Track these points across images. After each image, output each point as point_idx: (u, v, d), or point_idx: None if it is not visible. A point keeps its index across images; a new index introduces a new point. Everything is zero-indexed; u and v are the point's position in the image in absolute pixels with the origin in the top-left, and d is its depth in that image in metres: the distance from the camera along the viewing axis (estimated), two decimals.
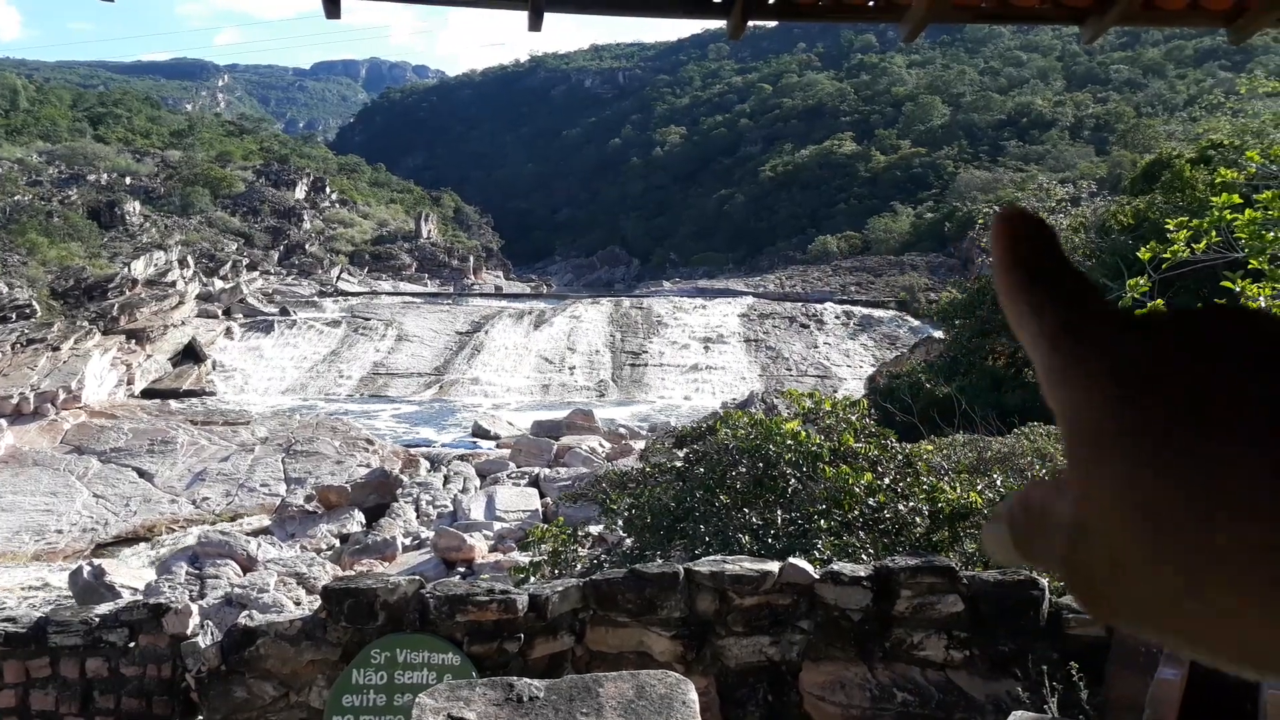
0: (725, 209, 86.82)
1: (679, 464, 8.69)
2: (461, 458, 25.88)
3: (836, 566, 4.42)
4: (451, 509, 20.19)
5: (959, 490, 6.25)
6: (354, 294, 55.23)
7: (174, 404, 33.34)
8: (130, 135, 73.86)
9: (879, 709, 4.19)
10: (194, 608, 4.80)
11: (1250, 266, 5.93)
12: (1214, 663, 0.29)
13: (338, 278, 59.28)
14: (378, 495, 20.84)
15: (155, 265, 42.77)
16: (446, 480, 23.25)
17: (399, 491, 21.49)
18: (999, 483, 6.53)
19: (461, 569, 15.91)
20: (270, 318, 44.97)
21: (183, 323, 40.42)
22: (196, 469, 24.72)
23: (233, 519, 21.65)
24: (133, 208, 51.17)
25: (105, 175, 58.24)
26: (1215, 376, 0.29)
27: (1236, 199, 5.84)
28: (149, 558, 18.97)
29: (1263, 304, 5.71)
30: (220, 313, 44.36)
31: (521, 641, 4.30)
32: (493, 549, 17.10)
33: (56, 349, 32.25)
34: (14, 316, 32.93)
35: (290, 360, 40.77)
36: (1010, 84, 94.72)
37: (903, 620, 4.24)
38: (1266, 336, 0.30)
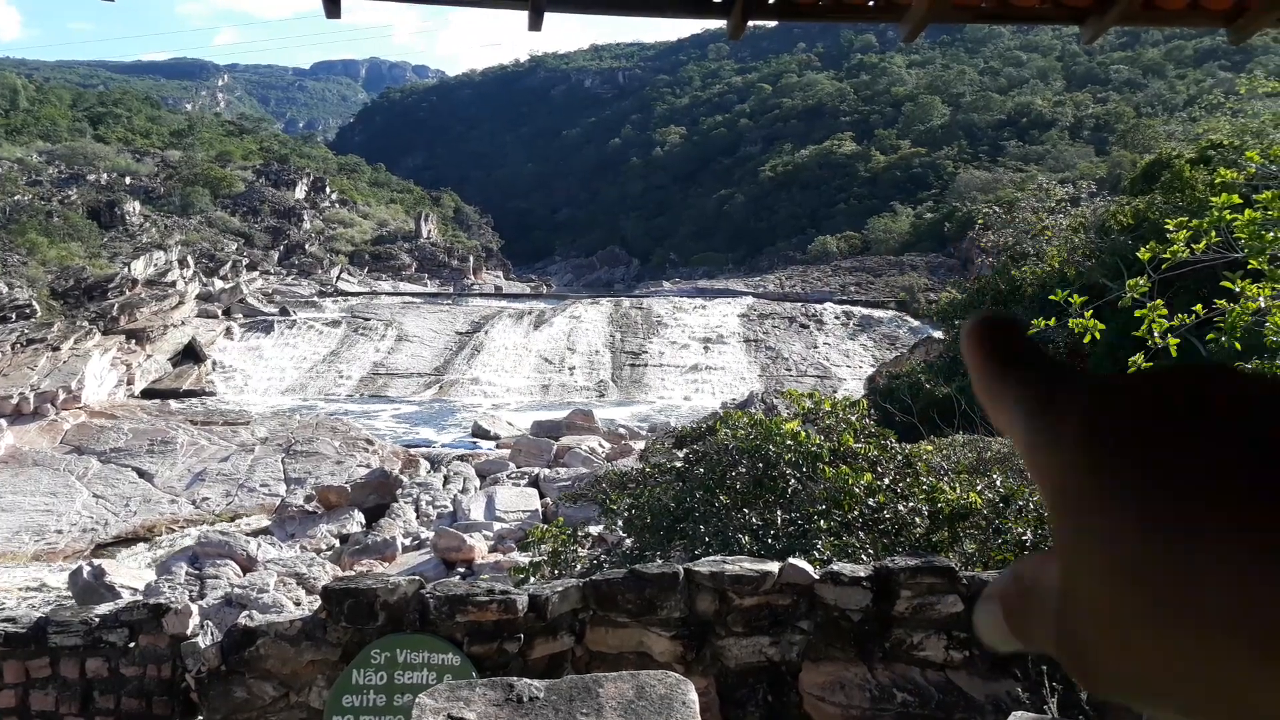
0: (725, 209, 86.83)
1: (679, 464, 8.69)
2: (461, 458, 25.87)
3: (836, 567, 4.42)
4: (451, 509, 20.19)
5: (959, 491, 6.25)
6: (354, 294, 55.23)
7: (174, 404, 33.33)
8: (130, 135, 73.87)
9: (879, 709, 4.19)
10: (194, 608, 4.80)
11: (1250, 267, 5.92)
12: None
13: (338, 278, 59.28)
14: (377, 495, 20.84)
15: (155, 265, 42.77)
16: (446, 480, 23.25)
17: (399, 492, 21.49)
18: (999, 483, 6.53)
19: (461, 569, 15.91)
20: (270, 318, 44.97)
21: (183, 323, 40.42)
22: (196, 469, 24.72)
23: (232, 519, 21.65)
24: (133, 208, 51.17)
25: (105, 175, 58.25)
26: (1189, 437, 0.29)
27: (1236, 199, 5.84)
28: (149, 558, 18.97)
29: (1263, 304, 5.71)
30: (220, 313, 44.36)
31: (521, 642, 4.30)
32: (492, 549, 17.10)
33: (56, 349, 32.25)
34: (14, 316, 32.93)
35: (290, 360, 40.77)
36: (1010, 84, 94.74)
37: (902, 620, 4.24)
38: (1238, 395, 0.30)
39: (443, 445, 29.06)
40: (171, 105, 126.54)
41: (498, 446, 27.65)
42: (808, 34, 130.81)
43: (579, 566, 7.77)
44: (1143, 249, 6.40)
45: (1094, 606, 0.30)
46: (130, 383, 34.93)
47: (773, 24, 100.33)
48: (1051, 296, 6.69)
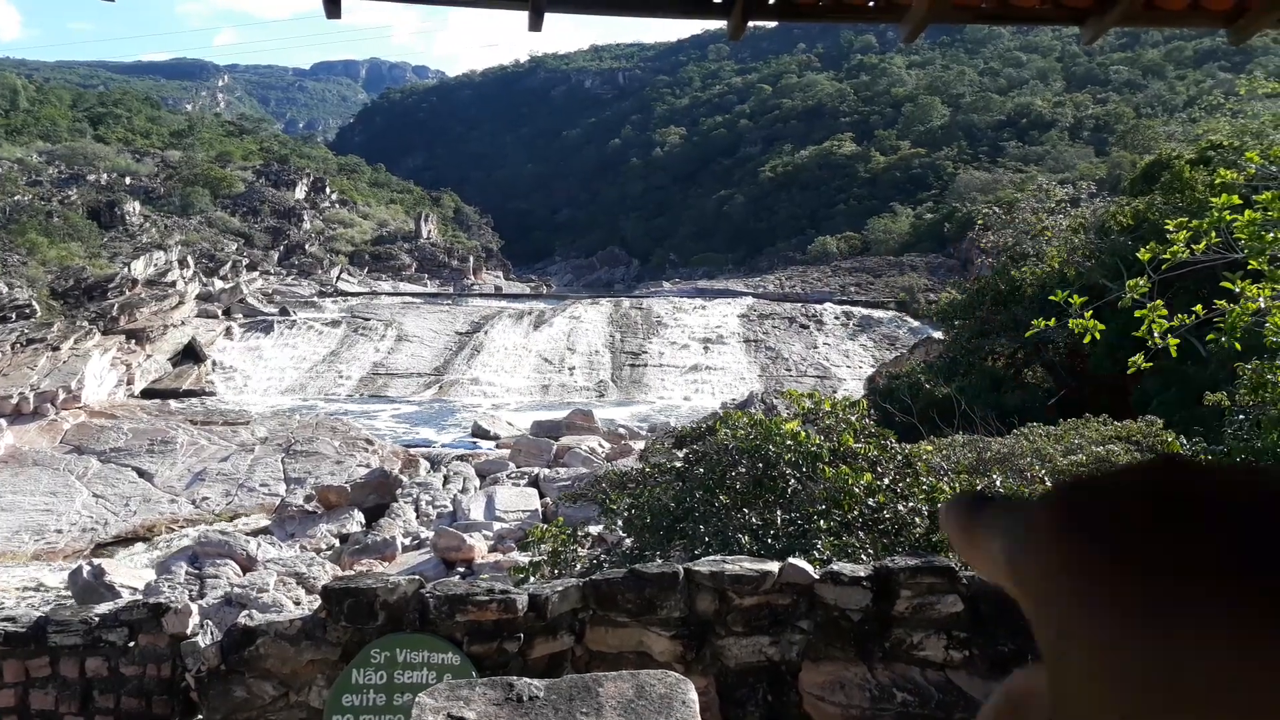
0: (725, 209, 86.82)
1: (678, 464, 8.69)
2: (461, 458, 25.87)
3: (836, 566, 4.42)
4: (451, 509, 20.19)
5: (958, 490, 6.25)
6: (354, 294, 55.22)
7: (174, 404, 33.33)
8: (130, 135, 73.88)
9: (879, 709, 4.20)
10: (194, 607, 4.80)
11: (1250, 267, 5.93)
12: None
13: (337, 278, 59.28)
14: (377, 495, 20.84)
15: (155, 265, 42.77)
16: (446, 480, 23.25)
17: (399, 491, 21.49)
18: (998, 483, 6.53)
19: (461, 569, 15.91)
20: (270, 318, 44.97)
21: (182, 323, 40.42)
22: (196, 469, 24.72)
23: (232, 519, 21.65)
24: (133, 208, 51.17)
25: (105, 175, 58.25)
26: (1157, 533, 0.30)
27: (1236, 200, 5.84)
28: (148, 558, 18.97)
29: (1262, 304, 5.72)
30: (220, 313, 44.36)
31: (521, 641, 4.30)
32: (492, 549, 17.10)
33: (56, 349, 32.24)
34: (14, 316, 32.92)
35: (290, 360, 40.77)
36: (1010, 85, 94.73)
37: (902, 620, 4.24)
38: (1201, 488, 0.30)
39: (442, 445, 29.06)
40: (171, 105, 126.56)
41: (497, 446, 27.65)
42: (808, 35, 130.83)
43: (579, 566, 7.77)
44: (1143, 249, 6.40)
45: (1083, 709, 0.31)
46: (130, 383, 34.93)
47: (773, 24, 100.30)
48: (1051, 297, 6.69)
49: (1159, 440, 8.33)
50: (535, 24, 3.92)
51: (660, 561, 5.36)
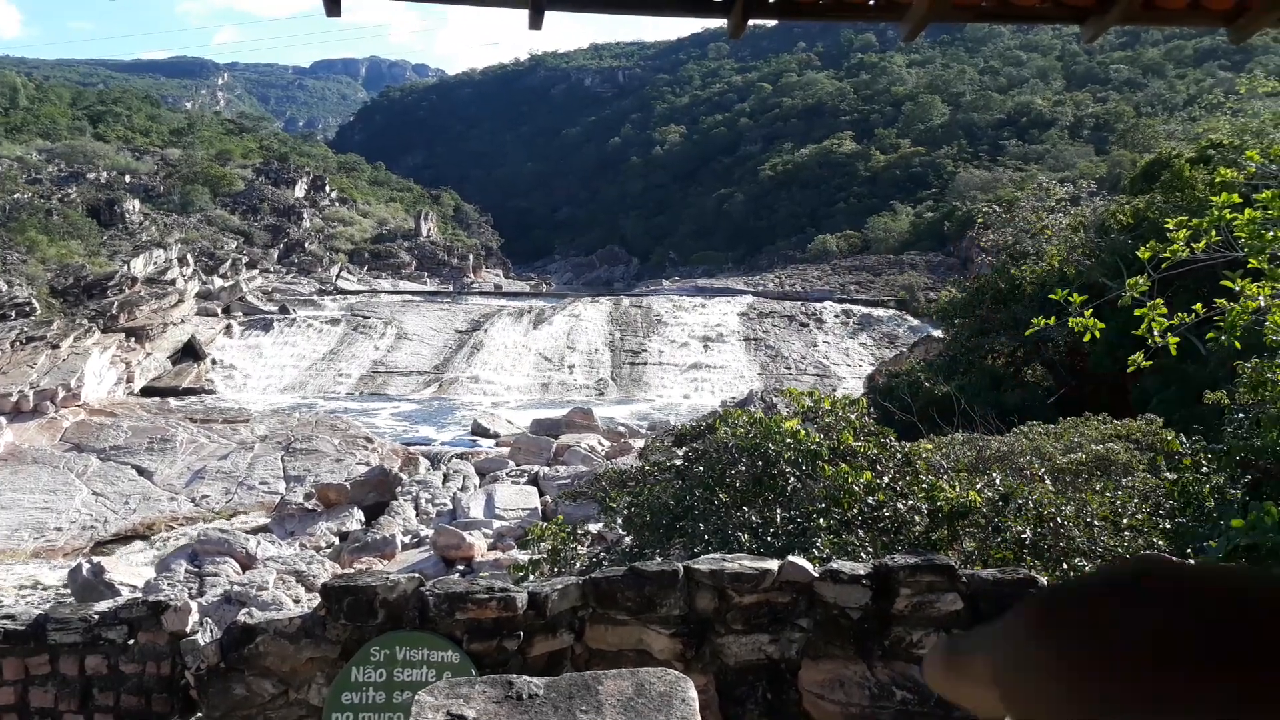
0: (725, 208, 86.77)
1: (678, 462, 8.70)
2: (461, 456, 25.87)
3: (836, 565, 4.42)
4: (451, 507, 20.19)
5: (958, 489, 6.25)
6: (353, 292, 55.20)
7: (173, 402, 33.33)
8: (130, 133, 73.84)
9: (878, 707, 4.20)
10: (193, 605, 4.80)
11: (1250, 266, 5.93)
12: None
13: (337, 276, 59.26)
14: (377, 493, 20.83)
15: (155, 263, 42.76)
16: (446, 478, 23.25)
17: (398, 490, 21.49)
18: (998, 481, 6.53)
19: (461, 567, 15.92)
20: (270, 316, 44.96)
21: (182, 321, 40.41)
22: (196, 467, 24.72)
23: (231, 517, 21.65)
24: (132, 206, 51.15)
25: (105, 173, 58.22)
26: (1133, 624, 0.31)
27: (1236, 198, 5.84)
28: (148, 555, 18.96)
29: (1262, 303, 5.72)
30: (220, 311, 44.35)
31: (521, 639, 4.30)
32: (492, 547, 17.10)
33: (56, 347, 32.24)
34: (13, 314, 32.91)
35: (290, 358, 40.76)
36: (1010, 83, 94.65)
37: (902, 618, 4.24)
38: (1173, 586, 0.32)
39: (442, 443, 29.07)
40: (171, 104, 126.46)
41: (497, 444, 27.66)
42: (808, 33, 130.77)
43: (578, 564, 7.77)
44: (1142, 248, 6.40)
45: None
46: (130, 380, 34.93)
47: (773, 23, 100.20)
48: (1051, 295, 6.69)
49: (1159, 439, 8.33)
50: (535, 22, 3.91)
51: (660, 559, 5.36)
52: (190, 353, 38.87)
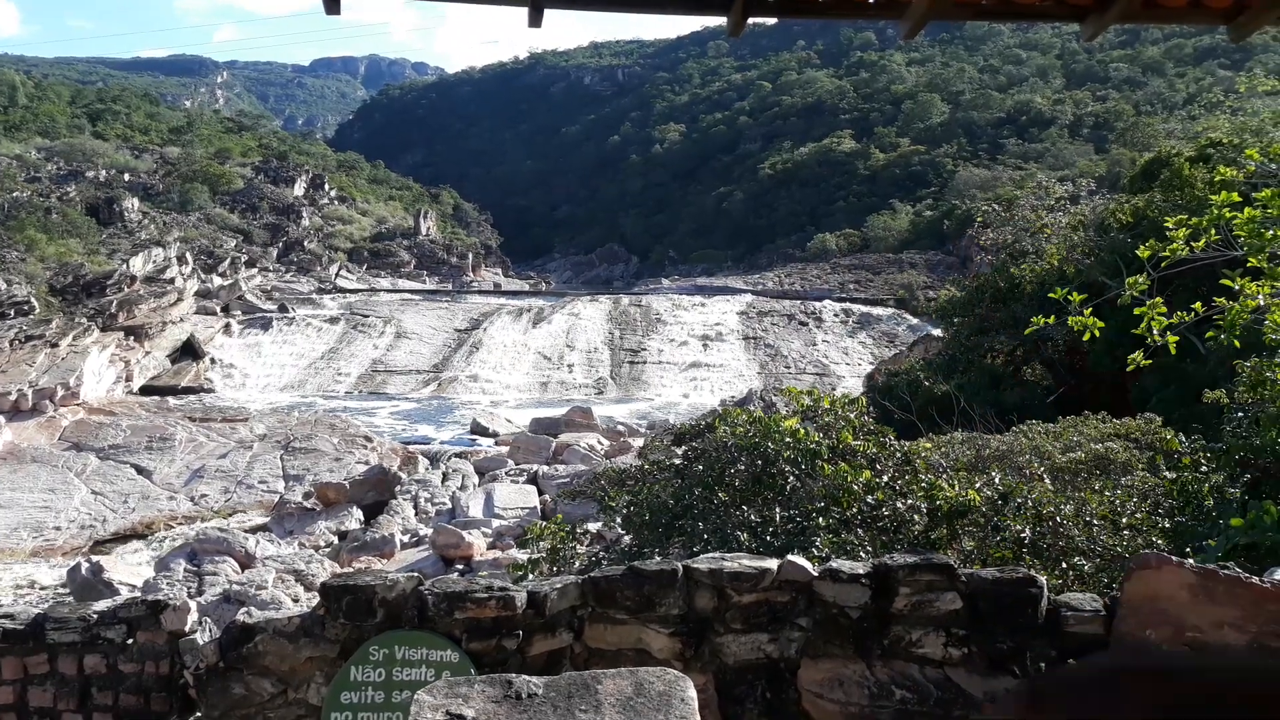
0: (724, 206, 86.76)
1: (677, 461, 8.70)
2: (460, 455, 25.88)
3: (835, 564, 4.42)
4: (450, 506, 20.20)
5: (957, 488, 6.25)
6: (353, 291, 55.20)
7: (172, 401, 33.34)
8: (129, 132, 73.80)
9: (877, 706, 4.20)
10: (192, 605, 4.80)
11: (1249, 265, 5.92)
12: None
13: (336, 275, 59.26)
14: (376, 492, 20.83)
15: (154, 262, 42.75)
16: (445, 477, 23.26)
17: (397, 489, 21.49)
18: (997, 480, 6.53)
19: (460, 566, 15.93)
20: (269, 315, 44.96)
21: (181, 319, 40.41)
22: (195, 466, 24.72)
23: (230, 516, 21.65)
24: (131, 204, 51.14)
25: (104, 172, 58.19)
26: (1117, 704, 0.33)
27: (1235, 197, 5.84)
28: (147, 555, 18.96)
29: (1262, 301, 5.71)
30: (219, 309, 44.34)
31: (520, 639, 4.30)
32: (491, 546, 17.11)
33: (55, 345, 32.23)
34: (12, 313, 32.90)
35: (289, 357, 40.76)
36: (1009, 82, 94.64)
37: (901, 618, 4.24)
38: (1156, 675, 0.33)
39: (441, 442, 29.07)
40: (170, 102, 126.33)
41: (496, 444, 27.66)
42: (807, 31, 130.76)
43: (578, 563, 7.77)
44: (1142, 247, 6.40)
45: None
46: (129, 379, 34.92)
47: (772, 21, 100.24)
48: (1051, 294, 6.68)
49: (1158, 437, 8.33)
50: (535, 20, 3.91)
51: (659, 559, 5.36)
52: (189, 351, 38.87)
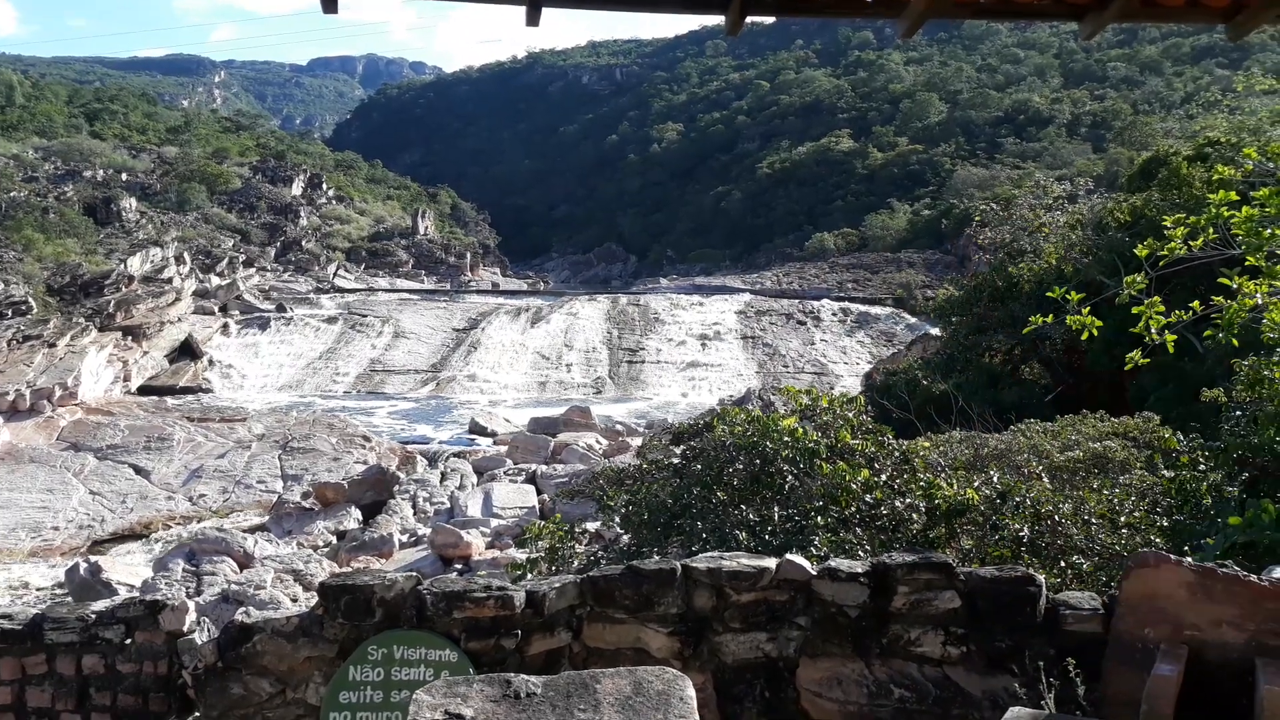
0: (722, 206, 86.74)
1: (676, 461, 8.70)
2: (458, 455, 25.87)
3: (833, 563, 4.42)
4: (448, 506, 20.19)
5: (956, 487, 6.25)
6: (351, 290, 55.16)
7: (170, 401, 33.30)
8: (126, 131, 73.71)
9: (876, 705, 4.20)
10: (191, 605, 4.79)
11: (1247, 263, 5.93)
12: None
13: (334, 274, 59.20)
14: (374, 492, 20.82)
15: (151, 262, 42.70)
16: (443, 477, 23.24)
17: (396, 488, 21.48)
18: (995, 479, 6.53)
19: (459, 566, 15.92)
20: (267, 314, 44.92)
21: (179, 319, 40.38)
22: (193, 466, 24.69)
23: (229, 516, 21.63)
24: (129, 204, 51.08)
25: (101, 171, 58.12)
26: None
27: (1234, 196, 5.84)
28: (145, 555, 18.94)
29: (1260, 300, 5.72)
30: (217, 309, 44.30)
31: (519, 638, 4.30)
32: (490, 546, 17.10)
33: (53, 345, 32.19)
34: (10, 313, 32.87)
35: (287, 357, 40.73)
36: (1007, 81, 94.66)
37: (900, 617, 4.24)
38: None
39: (440, 442, 29.05)
40: (168, 102, 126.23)
41: (495, 443, 27.65)
42: (805, 31, 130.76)
43: (576, 563, 7.77)
44: (1140, 246, 6.40)
45: None
46: (127, 379, 34.89)
47: (770, 20, 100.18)
48: (1049, 293, 6.69)
49: (1156, 436, 8.34)
50: (533, 19, 3.91)
51: (658, 558, 5.36)
52: (187, 351, 38.83)
